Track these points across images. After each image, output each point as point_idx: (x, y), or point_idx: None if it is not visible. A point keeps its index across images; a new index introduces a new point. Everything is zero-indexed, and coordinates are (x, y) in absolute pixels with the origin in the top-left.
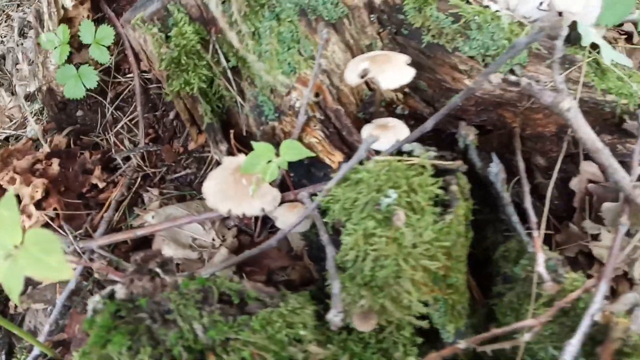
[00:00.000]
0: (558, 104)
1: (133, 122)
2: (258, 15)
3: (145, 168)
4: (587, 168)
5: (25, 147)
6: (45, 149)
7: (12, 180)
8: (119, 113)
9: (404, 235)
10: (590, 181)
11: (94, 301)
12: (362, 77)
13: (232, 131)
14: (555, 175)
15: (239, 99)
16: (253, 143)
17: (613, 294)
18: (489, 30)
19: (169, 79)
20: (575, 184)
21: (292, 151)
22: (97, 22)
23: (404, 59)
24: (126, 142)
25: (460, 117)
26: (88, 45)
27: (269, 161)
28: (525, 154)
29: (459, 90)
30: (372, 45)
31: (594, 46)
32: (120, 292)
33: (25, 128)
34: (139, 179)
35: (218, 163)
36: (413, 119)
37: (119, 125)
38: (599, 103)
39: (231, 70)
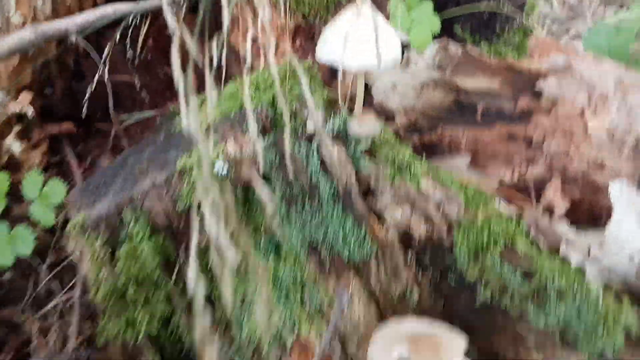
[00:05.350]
0: None
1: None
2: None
3: None
4: None
5: None
6: None
7: None
8: (57, 285)
9: None
10: None
11: None
12: None
13: None
14: None
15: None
16: None
17: None
18: (573, 302)
19: (104, 314)
20: None
21: None
22: (54, 167)
23: (459, 348)
24: (52, 335)
25: None
26: None
27: None
28: None
29: None
30: (406, 295)
31: None
32: None
33: None
34: None
35: None
36: None
37: (50, 305)
38: None
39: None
